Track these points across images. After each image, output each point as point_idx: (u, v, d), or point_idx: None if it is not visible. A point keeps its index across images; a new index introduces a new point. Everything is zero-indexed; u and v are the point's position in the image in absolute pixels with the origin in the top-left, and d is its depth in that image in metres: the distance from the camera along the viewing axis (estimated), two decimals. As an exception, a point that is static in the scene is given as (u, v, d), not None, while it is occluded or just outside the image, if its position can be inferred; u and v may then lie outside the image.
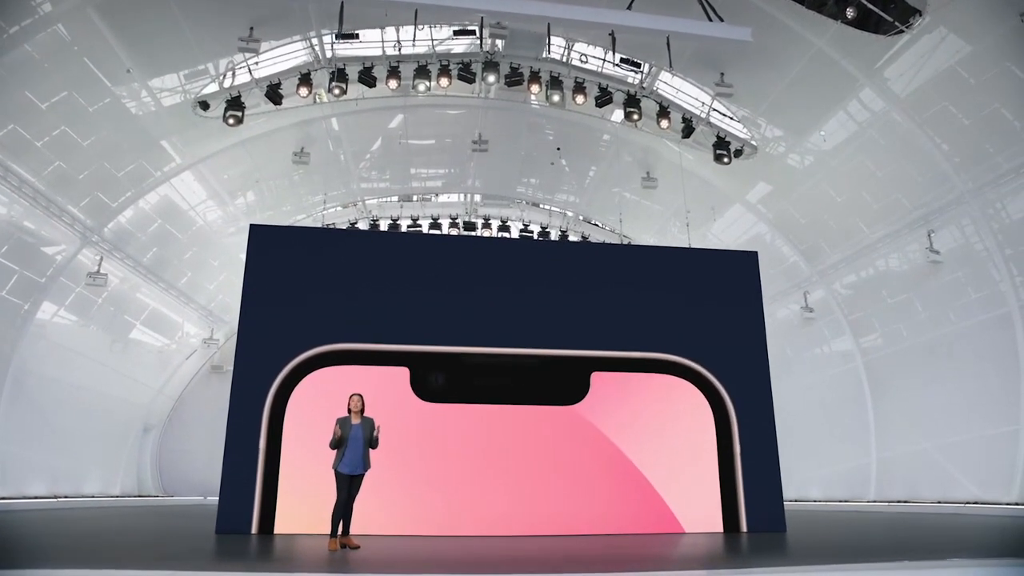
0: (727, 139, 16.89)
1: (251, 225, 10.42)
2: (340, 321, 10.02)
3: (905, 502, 15.79)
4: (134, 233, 16.99)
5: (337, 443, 7.27)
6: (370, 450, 7.42)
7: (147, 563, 5.87)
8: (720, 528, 9.82)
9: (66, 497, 15.93)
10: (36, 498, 15.02)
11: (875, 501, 16.73)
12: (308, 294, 10.08)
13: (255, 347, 9.67)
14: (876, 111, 14.96)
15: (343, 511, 7.17)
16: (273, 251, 10.28)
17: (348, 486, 7.19)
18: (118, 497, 18.41)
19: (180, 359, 21.41)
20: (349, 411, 7.46)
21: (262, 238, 10.36)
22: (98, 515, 12.74)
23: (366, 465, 7.33)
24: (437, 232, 20.83)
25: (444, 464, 9.85)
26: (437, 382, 10.18)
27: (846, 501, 17.65)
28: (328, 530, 7.31)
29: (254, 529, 8.92)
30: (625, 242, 21.76)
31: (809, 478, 18.75)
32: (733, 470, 10.06)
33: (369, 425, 7.41)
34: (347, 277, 10.30)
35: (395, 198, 22.28)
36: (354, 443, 7.26)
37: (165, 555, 6.52)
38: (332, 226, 20.91)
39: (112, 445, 19.04)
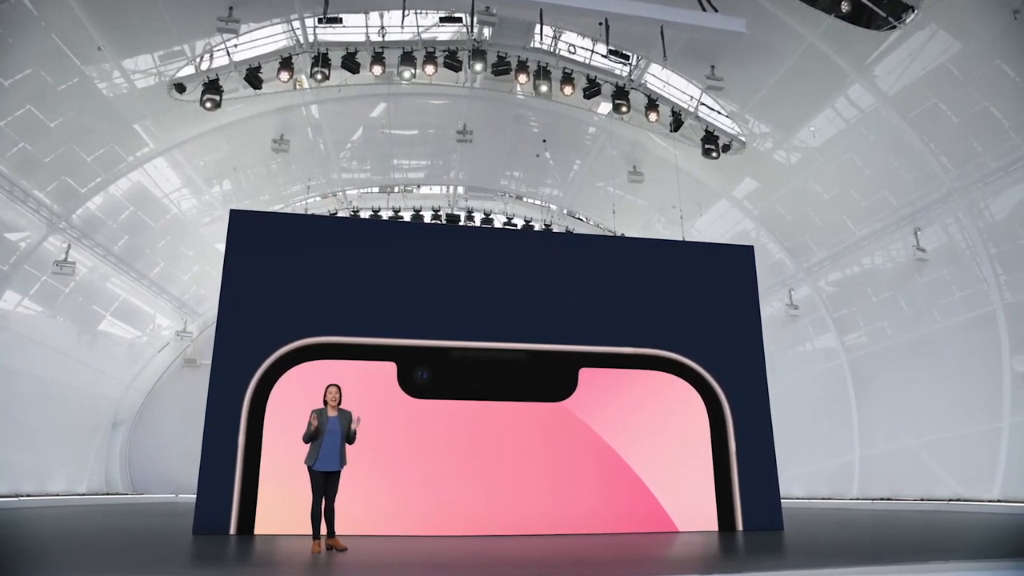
0: (715, 133, 16.74)
1: (231, 211, 9.94)
2: (324, 313, 9.61)
3: (888, 499, 15.83)
4: (104, 220, 16.30)
5: (313, 436, 6.82)
6: (347, 446, 7.01)
7: (121, 570, 5.44)
8: (715, 527, 9.62)
9: (29, 496, 15.24)
10: (-3, 496, 14.35)
11: (858, 498, 16.77)
12: (291, 284, 9.64)
13: (234, 339, 9.21)
14: (865, 108, 14.90)
15: (321, 511, 6.76)
16: (254, 239, 9.81)
17: (323, 484, 6.78)
18: (84, 495, 17.72)
19: (152, 352, 20.70)
20: (325, 403, 7.06)
21: (243, 225, 9.89)
22: (65, 514, 12.16)
23: (342, 461, 6.90)
24: (425, 221, 20.41)
25: (431, 462, 9.51)
26: (423, 377, 9.83)
27: (828, 498, 17.67)
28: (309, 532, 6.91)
29: (233, 530, 8.48)
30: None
31: (792, 475, 18.71)
32: (728, 467, 9.87)
33: (347, 418, 7.00)
34: (332, 267, 9.88)
35: (376, 189, 21.80)
36: (330, 437, 6.82)
37: (140, 561, 6.09)
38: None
39: (79, 441, 18.30)
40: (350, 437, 6.95)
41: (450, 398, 9.81)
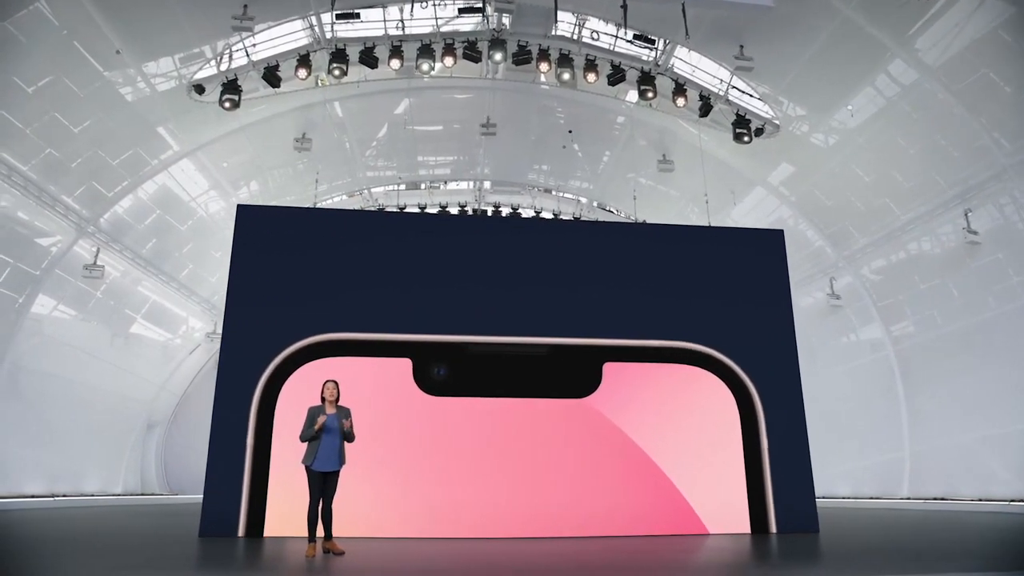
0: (747, 117, 16.00)
1: (238, 206, 9.77)
2: (335, 309, 9.32)
3: (942, 499, 14.86)
4: (132, 224, 16.49)
5: (315, 435, 6.54)
6: (346, 445, 6.70)
7: (112, 572, 5.23)
8: (747, 529, 9.03)
9: (64, 496, 15.49)
10: (33, 497, 14.58)
11: (909, 498, 15.81)
12: (300, 280, 9.40)
13: (243, 336, 9.01)
14: (907, 83, 14.00)
15: (318, 512, 6.47)
16: (263, 233, 9.61)
17: (322, 484, 6.49)
18: (119, 495, 17.97)
19: (184, 354, 20.95)
20: (323, 399, 6.76)
21: (251, 219, 9.71)
22: (89, 515, 12.24)
23: (341, 460, 6.61)
24: (440, 212, 20.13)
25: (447, 461, 9.14)
26: (440, 374, 9.47)
27: (877, 498, 16.74)
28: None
29: (241, 532, 8.28)
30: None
31: (837, 473, 17.85)
32: (760, 466, 9.24)
33: (346, 415, 6.67)
34: (343, 261, 9.60)
35: (402, 186, 21.65)
36: (329, 436, 6.52)
37: (134, 563, 5.89)
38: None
39: (113, 442, 18.60)
40: (349, 436, 6.62)
41: (468, 395, 9.42)
